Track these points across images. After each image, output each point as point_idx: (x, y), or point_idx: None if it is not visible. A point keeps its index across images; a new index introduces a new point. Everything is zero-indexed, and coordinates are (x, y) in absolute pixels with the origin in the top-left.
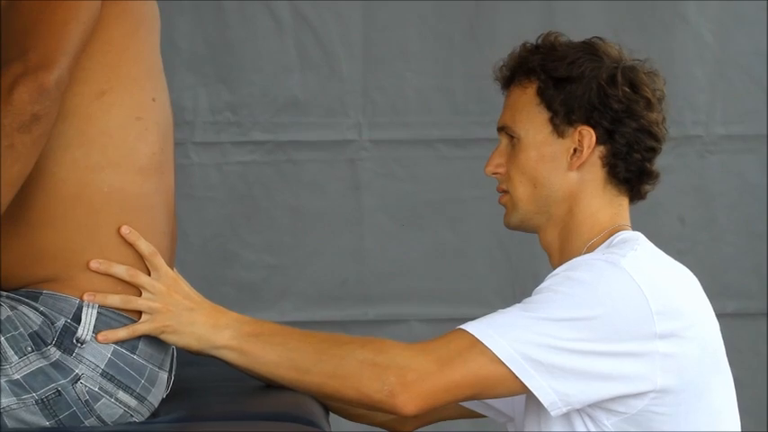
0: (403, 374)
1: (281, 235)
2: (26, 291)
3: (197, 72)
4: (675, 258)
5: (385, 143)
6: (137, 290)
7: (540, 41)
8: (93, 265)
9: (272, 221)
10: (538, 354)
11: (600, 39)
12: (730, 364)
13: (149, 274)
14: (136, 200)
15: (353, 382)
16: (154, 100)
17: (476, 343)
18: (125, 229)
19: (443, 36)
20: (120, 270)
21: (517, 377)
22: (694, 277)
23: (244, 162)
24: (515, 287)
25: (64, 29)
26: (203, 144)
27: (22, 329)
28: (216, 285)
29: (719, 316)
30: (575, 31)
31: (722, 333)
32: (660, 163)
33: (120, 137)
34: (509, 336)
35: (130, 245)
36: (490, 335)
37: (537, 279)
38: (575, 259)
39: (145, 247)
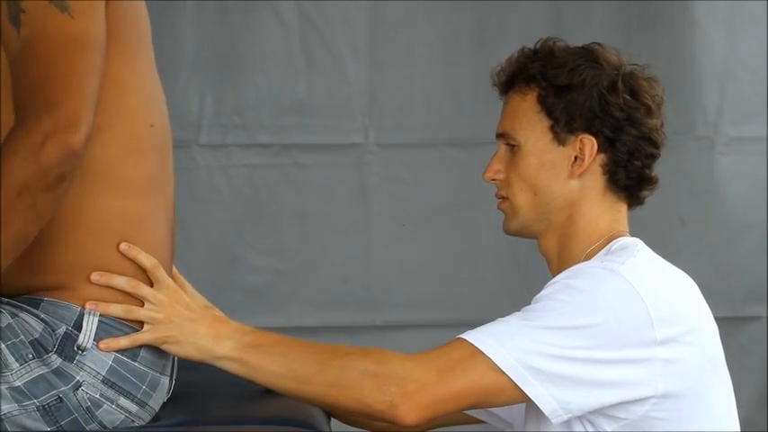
0: (403, 385)
1: (287, 239)
2: (27, 298)
3: (202, 74)
4: (686, 261)
5: (391, 146)
6: (138, 301)
7: (538, 47)
8: (94, 277)
9: (278, 225)
10: (538, 362)
11: (599, 44)
12: (742, 367)
13: (151, 286)
14: (137, 217)
15: (354, 392)
16: (152, 126)
17: (476, 352)
18: (124, 246)
19: (450, 38)
20: (122, 281)
21: (518, 386)
22: (693, 283)
23: (250, 165)
24: (525, 291)
25: (85, 80)
26: (209, 146)
27: (22, 336)
28: (222, 290)
29: (730, 319)
30: (583, 33)
31: (734, 335)
32: (670, 165)
33: (118, 167)
34: (509, 345)
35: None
36: (490, 344)
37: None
38: (574, 267)
39: (146, 260)
